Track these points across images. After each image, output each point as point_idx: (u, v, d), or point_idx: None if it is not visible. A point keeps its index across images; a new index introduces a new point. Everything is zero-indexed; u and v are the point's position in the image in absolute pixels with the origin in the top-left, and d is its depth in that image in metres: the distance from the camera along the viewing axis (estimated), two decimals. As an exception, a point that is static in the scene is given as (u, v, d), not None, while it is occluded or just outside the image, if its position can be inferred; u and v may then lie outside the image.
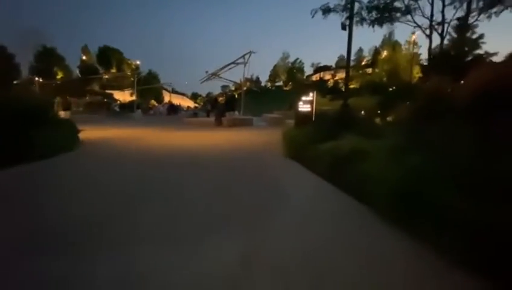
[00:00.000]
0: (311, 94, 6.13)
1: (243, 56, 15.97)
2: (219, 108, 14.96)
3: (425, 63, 24.33)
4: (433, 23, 11.41)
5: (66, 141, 5.38)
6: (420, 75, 25.86)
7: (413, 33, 33.87)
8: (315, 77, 66.30)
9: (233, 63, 16.75)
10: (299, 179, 4.18)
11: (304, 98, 6.17)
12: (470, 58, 21.91)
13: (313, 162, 4.70)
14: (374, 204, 2.75)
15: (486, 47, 23.44)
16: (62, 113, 12.41)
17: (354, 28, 10.17)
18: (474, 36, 23.85)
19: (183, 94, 67.80)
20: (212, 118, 14.66)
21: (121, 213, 2.60)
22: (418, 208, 2.17)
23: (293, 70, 65.99)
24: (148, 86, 39.55)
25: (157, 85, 46.09)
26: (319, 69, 69.42)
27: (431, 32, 11.68)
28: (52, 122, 5.34)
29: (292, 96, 26.86)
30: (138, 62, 53.36)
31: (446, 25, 12.06)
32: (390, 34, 51.29)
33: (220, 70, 18.16)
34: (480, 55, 21.62)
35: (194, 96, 78.90)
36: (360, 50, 60.60)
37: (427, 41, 15.22)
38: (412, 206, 2.22)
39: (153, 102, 46.56)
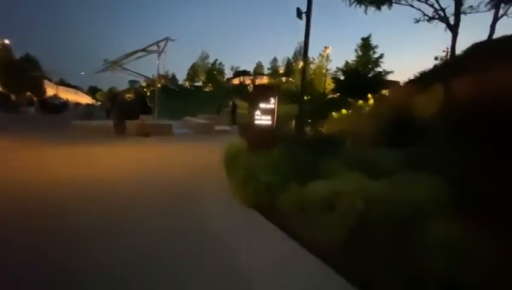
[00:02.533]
0: (272, 100, 4.03)
1: (157, 43, 12.50)
2: (122, 107, 10.15)
3: (337, 76, 26.63)
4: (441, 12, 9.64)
5: None
6: (332, 86, 28.07)
7: (326, 47, 37.37)
8: (236, 81, 65.94)
9: (143, 50, 12.93)
10: (286, 273, 1.98)
11: (262, 106, 3.99)
12: (371, 75, 25.12)
13: (297, 220, 2.65)
14: None
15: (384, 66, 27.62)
16: None
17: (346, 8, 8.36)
18: (376, 55, 27.77)
19: (76, 87, 55.18)
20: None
21: None
22: None
23: (213, 72, 63.81)
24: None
25: (34, 74, 34.60)
26: (238, 73, 69.43)
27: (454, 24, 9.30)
28: None
29: (219, 99, 24.45)
30: (7, 41, 39.12)
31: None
32: (301, 48, 56.76)
33: (125, 58, 13.86)
34: (380, 72, 25.00)
35: (92, 91, 65.58)
36: (275, 60, 65.80)
37: (341, 54, 14.56)
38: None
39: (30, 95, 34.95)
